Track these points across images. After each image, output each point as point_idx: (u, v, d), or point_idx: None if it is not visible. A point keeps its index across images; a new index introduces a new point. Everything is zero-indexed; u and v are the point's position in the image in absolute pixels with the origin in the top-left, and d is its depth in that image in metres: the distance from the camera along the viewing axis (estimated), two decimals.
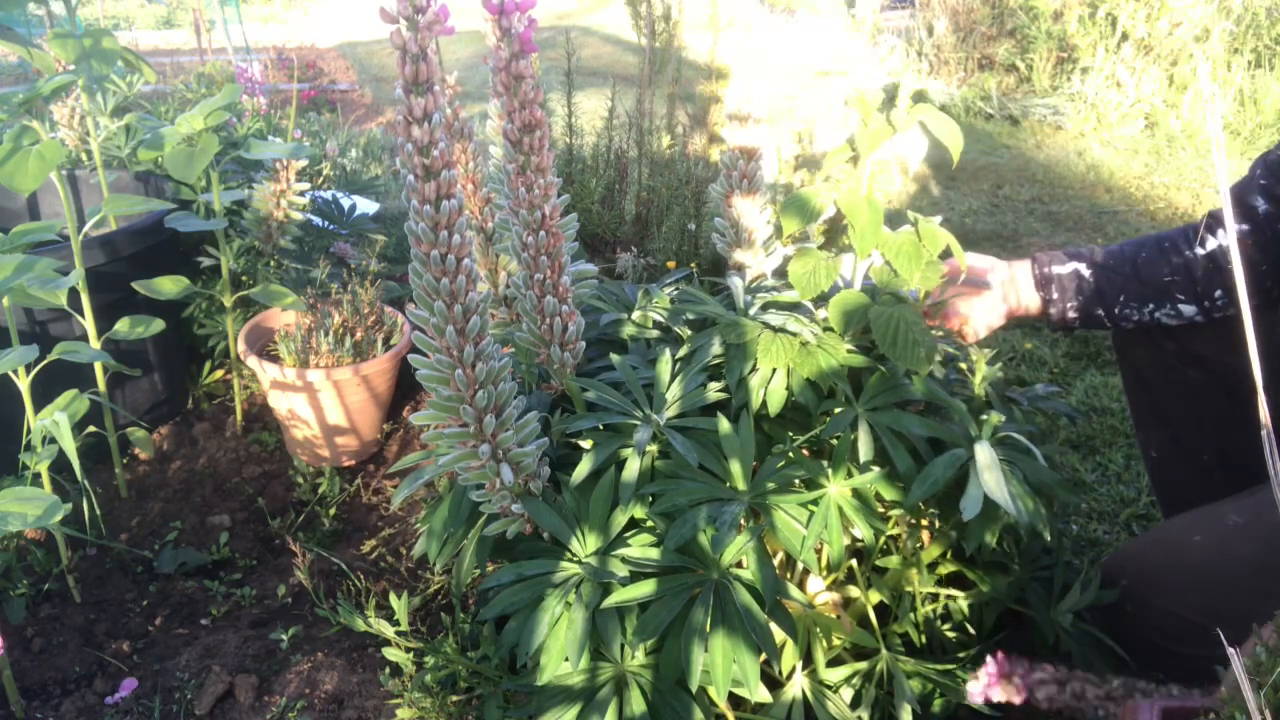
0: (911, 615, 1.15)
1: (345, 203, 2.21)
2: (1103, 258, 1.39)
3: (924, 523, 1.19)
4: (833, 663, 1.13)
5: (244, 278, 1.97)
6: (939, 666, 1.11)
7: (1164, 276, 1.36)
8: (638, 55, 2.73)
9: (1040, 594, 1.21)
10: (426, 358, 1.02)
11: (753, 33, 6.11)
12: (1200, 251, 1.33)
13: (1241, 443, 1.41)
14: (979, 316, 1.36)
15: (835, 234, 2.08)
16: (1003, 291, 1.38)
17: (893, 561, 1.16)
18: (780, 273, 1.42)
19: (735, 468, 1.07)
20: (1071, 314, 1.39)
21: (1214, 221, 1.34)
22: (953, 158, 1.13)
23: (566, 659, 1.00)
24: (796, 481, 1.09)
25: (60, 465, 1.59)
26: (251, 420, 2.01)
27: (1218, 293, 1.34)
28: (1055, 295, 1.37)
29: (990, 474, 1.06)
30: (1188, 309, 1.36)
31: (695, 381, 1.16)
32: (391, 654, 1.24)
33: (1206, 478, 1.46)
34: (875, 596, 1.16)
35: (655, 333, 1.36)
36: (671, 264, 2.34)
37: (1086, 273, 1.39)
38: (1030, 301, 1.38)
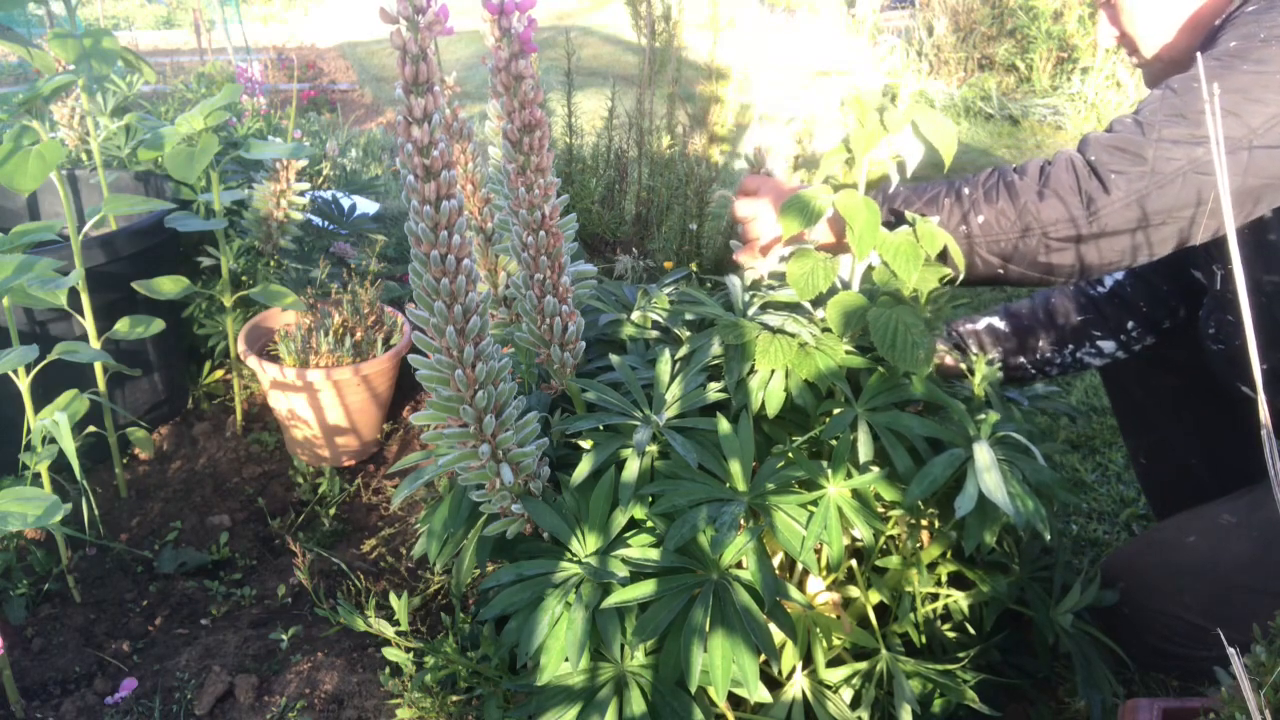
0: (911, 615, 1.15)
1: (345, 203, 2.21)
2: (1014, 309, 1.44)
3: (924, 523, 1.19)
4: (833, 663, 1.13)
5: (244, 278, 1.97)
6: (939, 666, 1.11)
7: (1077, 317, 1.40)
8: (638, 55, 2.73)
9: (1040, 594, 1.21)
10: (426, 358, 1.02)
11: (753, 33, 6.11)
12: (1102, 290, 1.39)
13: (1225, 444, 1.43)
14: None
15: None
16: None
17: (893, 562, 1.16)
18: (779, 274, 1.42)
19: (735, 468, 1.07)
20: (997, 364, 1.43)
21: None
22: (945, 159, 1.13)
23: (566, 659, 1.00)
24: (796, 482, 1.09)
25: (60, 465, 1.59)
26: (251, 420, 2.01)
27: (1130, 324, 1.40)
28: (976, 352, 1.42)
29: (989, 474, 1.06)
30: (1107, 345, 1.41)
31: (695, 382, 1.16)
32: (391, 654, 1.24)
33: (1194, 481, 1.47)
34: (875, 596, 1.16)
35: (655, 333, 1.36)
36: (668, 264, 2.34)
37: (1001, 325, 1.43)
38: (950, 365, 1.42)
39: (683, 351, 1.22)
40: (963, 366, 1.29)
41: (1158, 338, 1.41)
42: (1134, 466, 1.66)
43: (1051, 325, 1.42)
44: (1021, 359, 1.44)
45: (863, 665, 1.12)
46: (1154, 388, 1.48)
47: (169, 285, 1.70)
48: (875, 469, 1.11)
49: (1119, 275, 1.39)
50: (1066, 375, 1.48)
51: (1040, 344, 1.43)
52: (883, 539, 1.17)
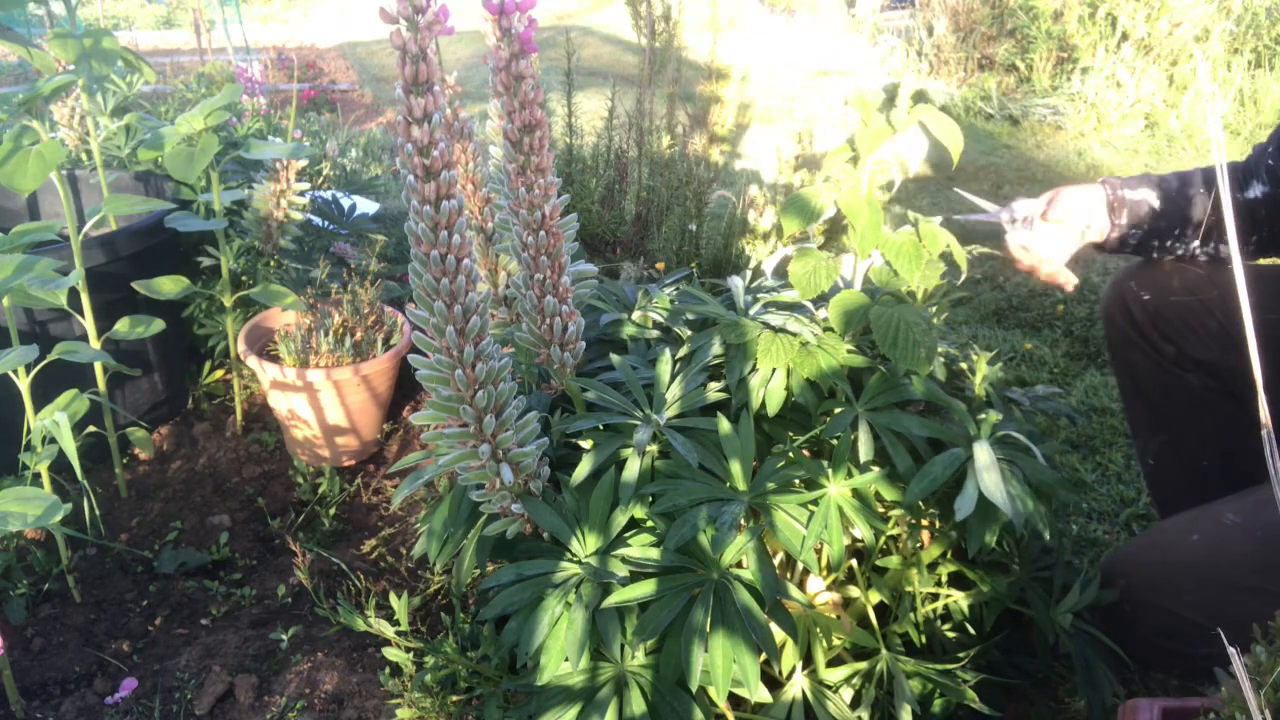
0: (911, 615, 1.15)
1: (345, 203, 2.21)
2: (1168, 190, 1.37)
3: (924, 523, 1.19)
4: (833, 663, 1.13)
5: (244, 278, 1.97)
6: (939, 666, 1.11)
7: (1213, 217, 1.35)
8: (638, 55, 2.74)
9: (1040, 594, 1.21)
10: (426, 358, 1.02)
11: (753, 33, 6.12)
12: (1241, 197, 1.34)
13: (1245, 447, 1.41)
14: (1057, 251, 1.33)
15: (835, 234, 2.08)
16: (1078, 220, 1.34)
17: (893, 561, 1.16)
18: (780, 272, 1.42)
19: (735, 468, 1.07)
20: (1132, 240, 1.37)
21: (1250, 171, 1.34)
22: (953, 158, 1.13)
23: (566, 659, 1.00)
24: (796, 481, 1.09)
25: (60, 465, 1.59)
26: (251, 420, 2.01)
27: (1253, 238, 1.34)
28: (1124, 220, 1.35)
29: (989, 474, 1.06)
30: (1225, 249, 1.35)
31: (695, 381, 1.16)
32: (391, 654, 1.24)
33: (1205, 484, 1.46)
34: (875, 596, 1.16)
35: (655, 333, 1.36)
36: (661, 265, 2.34)
37: (1156, 204, 1.36)
38: (1102, 227, 1.35)
39: (683, 351, 1.22)
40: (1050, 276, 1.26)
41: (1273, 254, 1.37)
42: (1141, 466, 1.64)
43: (1188, 216, 1.38)
44: (1155, 241, 1.39)
45: (863, 665, 1.12)
46: (1172, 388, 1.46)
47: (169, 285, 1.70)
48: (875, 469, 1.11)
49: (1258, 192, 1.33)
50: (1181, 262, 1.43)
51: (1176, 231, 1.39)
52: (883, 539, 1.17)
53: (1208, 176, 1.39)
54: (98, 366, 1.65)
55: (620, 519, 1.07)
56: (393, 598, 1.24)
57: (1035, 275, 1.37)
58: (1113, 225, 1.35)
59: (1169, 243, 1.38)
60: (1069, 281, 1.35)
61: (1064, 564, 1.26)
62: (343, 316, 1.86)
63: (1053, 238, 1.33)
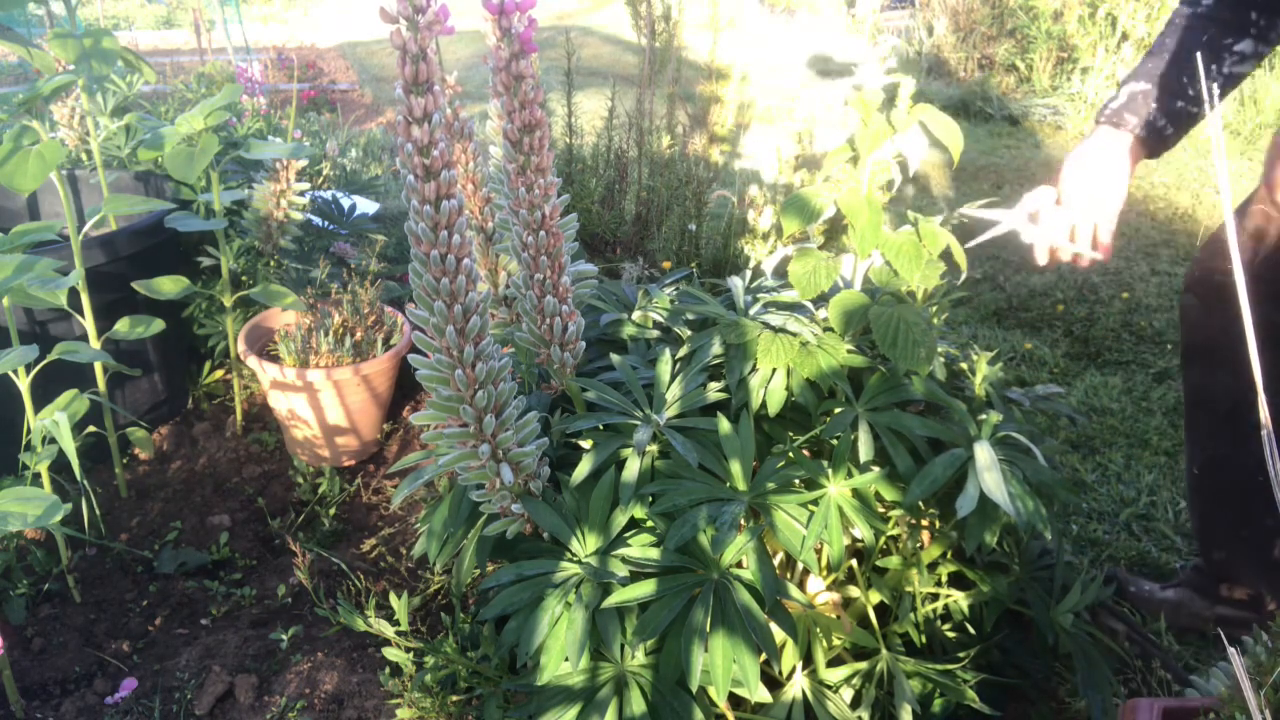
0: (911, 615, 1.15)
1: (345, 203, 2.21)
2: (1143, 70, 1.34)
3: (924, 523, 1.19)
4: (833, 663, 1.13)
5: (244, 278, 1.97)
6: (939, 666, 1.11)
7: (1201, 36, 1.31)
8: (638, 55, 2.74)
9: (1040, 594, 1.21)
10: (426, 358, 1.02)
11: (753, 33, 6.12)
12: (1207, 3, 1.30)
13: None
14: (1078, 221, 1.27)
15: (835, 234, 2.08)
16: (1099, 174, 1.28)
17: (893, 561, 1.16)
18: (780, 272, 1.42)
19: (735, 468, 1.07)
20: (1160, 120, 1.31)
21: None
22: (953, 157, 1.13)
23: (566, 659, 1.00)
24: (796, 481, 1.09)
25: (60, 465, 1.59)
26: (251, 420, 2.01)
27: (1253, 14, 1.30)
28: (1134, 120, 1.30)
29: (990, 474, 1.05)
30: (1244, 45, 1.29)
31: (695, 381, 1.16)
32: (391, 654, 1.24)
33: (1248, 499, 1.38)
34: (875, 596, 1.16)
35: (655, 333, 1.36)
36: (669, 264, 2.34)
37: (1144, 85, 1.31)
38: (1123, 148, 1.30)
39: (683, 351, 1.22)
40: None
41: None
42: (1186, 473, 1.57)
43: (1185, 59, 1.33)
44: (1180, 103, 1.33)
45: (863, 665, 1.12)
46: (1242, 401, 1.39)
47: (169, 285, 1.70)
48: (875, 469, 1.11)
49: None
50: (1226, 95, 1.37)
51: (1187, 80, 1.33)
52: (883, 539, 1.17)
53: (1166, 32, 1.35)
54: (98, 366, 1.65)
55: (620, 519, 1.07)
56: (393, 598, 1.24)
57: (1064, 262, 1.32)
58: (1129, 131, 1.31)
59: (1193, 91, 1.31)
60: (1095, 256, 1.29)
61: (1064, 564, 1.25)
62: (343, 316, 1.86)
63: (1069, 215, 1.29)
